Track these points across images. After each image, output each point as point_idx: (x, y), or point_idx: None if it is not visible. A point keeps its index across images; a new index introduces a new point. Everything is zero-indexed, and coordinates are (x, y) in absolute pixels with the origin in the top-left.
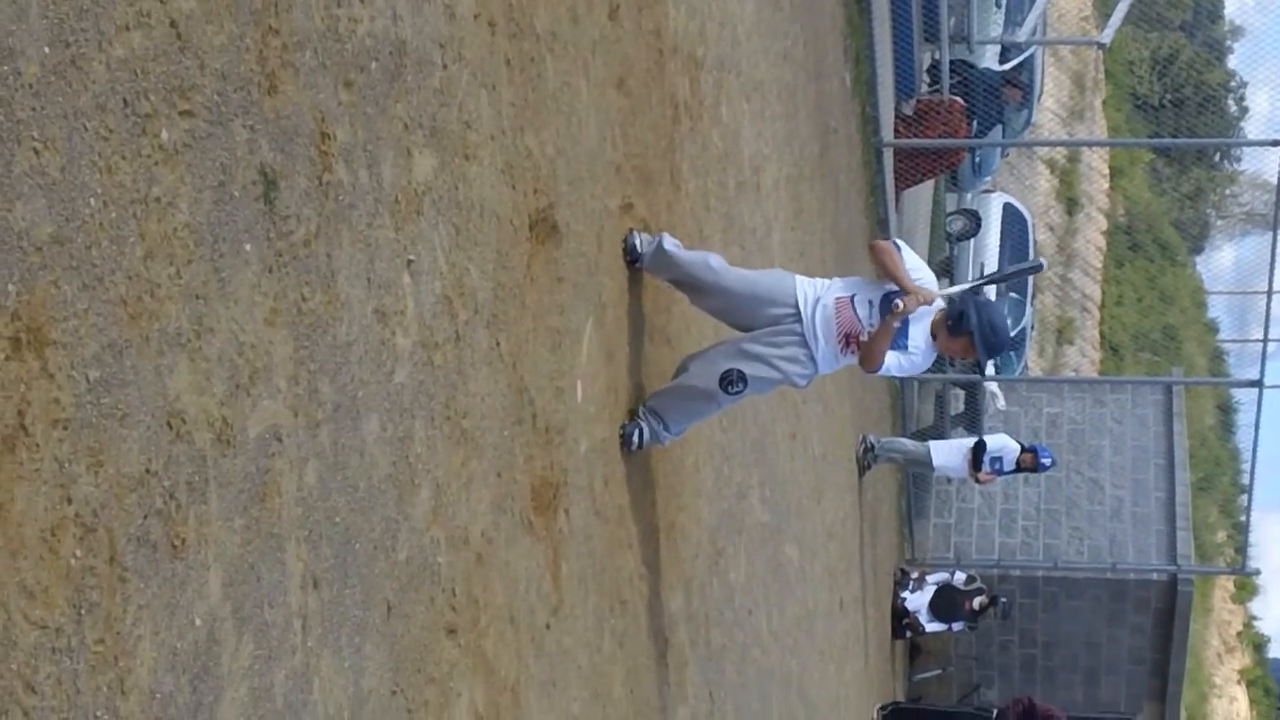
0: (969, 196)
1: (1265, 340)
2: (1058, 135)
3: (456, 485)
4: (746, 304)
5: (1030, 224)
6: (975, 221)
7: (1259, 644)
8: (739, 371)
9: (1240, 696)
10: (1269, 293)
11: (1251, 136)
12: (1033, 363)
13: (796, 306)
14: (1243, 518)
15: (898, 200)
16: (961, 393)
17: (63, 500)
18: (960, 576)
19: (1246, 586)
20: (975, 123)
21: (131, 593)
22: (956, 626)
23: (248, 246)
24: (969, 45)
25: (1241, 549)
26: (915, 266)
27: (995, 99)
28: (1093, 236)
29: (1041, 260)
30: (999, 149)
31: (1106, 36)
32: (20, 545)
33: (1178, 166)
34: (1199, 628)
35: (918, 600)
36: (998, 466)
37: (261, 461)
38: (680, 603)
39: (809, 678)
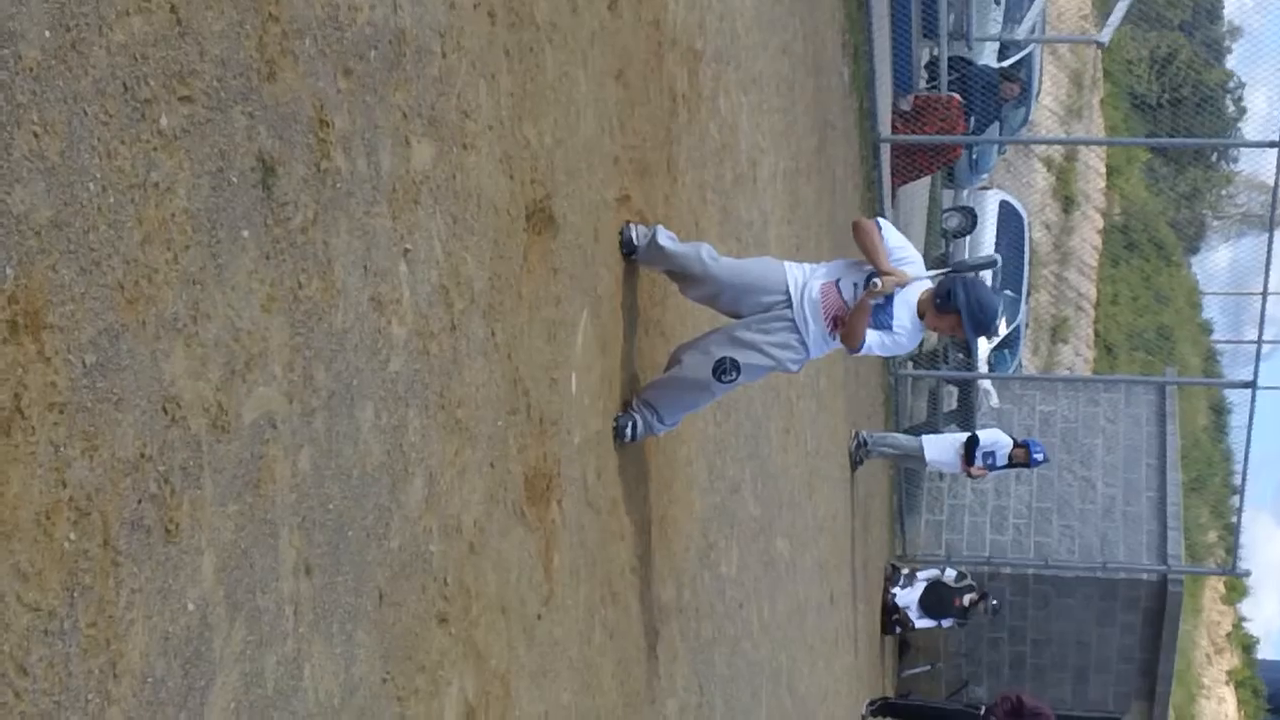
0: (965, 193)
1: (1259, 341)
2: (1055, 133)
3: (450, 474)
4: (738, 292)
5: (1026, 222)
6: (971, 218)
7: (1248, 645)
8: (732, 360)
9: (1229, 697)
10: (1264, 294)
11: (1249, 137)
12: (1027, 361)
13: (787, 292)
14: (1234, 519)
15: (894, 196)
16: (955, 390)
17: (57, 484)
18: (951, 573)
19: (1236, 588)
20: (973, 119)
21: (125, 577)
22: (946, 623)
23: (245, 233)
24: (968, 42)
25: (1232, 550)
26: (899, 245)
27: (993, 96)
28: (1089, 235)
29: (996, 256)
30: (996, 146)
31: (1105, 35)
32: (14, 528)
33: (1175, 166)
34: (1188, 628)
35: (908, 596)
36: (990, 461)
37: (256, 447)
38: (671, 595)
39: (798, 671)
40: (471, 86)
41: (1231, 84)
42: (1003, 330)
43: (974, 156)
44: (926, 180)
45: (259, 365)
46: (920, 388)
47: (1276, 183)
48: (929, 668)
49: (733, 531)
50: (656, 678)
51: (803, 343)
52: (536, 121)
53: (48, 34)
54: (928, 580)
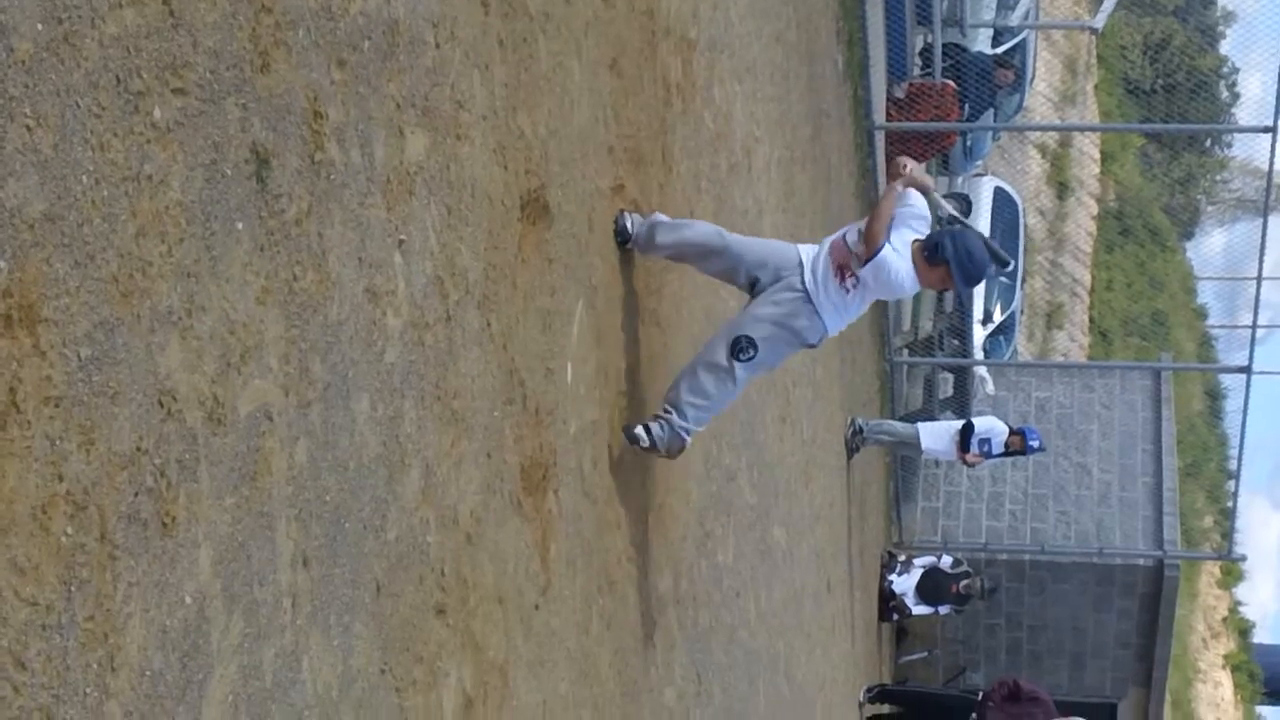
0: (960, 180)
1: (1254, 326)
2: (1049, 119)
3: (446, 465)
4: (754, 263)
5: (1021, 208)
6: (966, 205)
7: (1244, 629)
8: (747, 337)
9: (1225, 681)
10: (1258, 279)
11: (1243, 122)
12: (1022, 347)
13: (800, 263)
14: (1229, 503)
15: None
16: (950, 376)
17: (54, 478)
18: (947, 560)
19: (1232, 572)
20: (967, 106)
21: (122, 570)
22: (943, 609)
23: (239, 225)
24: (962, 29)
25: (1228, 535)
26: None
27: (987, 83)
28: (1083, 221)
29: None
30: (990, 133)
31: (1099, 21)
32: (11, 522)
33: (1169, 152)
34: (1185, 613)
35: (905, 583)
36: (985, 448)
37: (252, 440)
38: (668, 584)
39: (796, 659)
40: (465, 77)
41: (1225, 69)
42: (998, 316)
43: (968, 143)
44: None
45: (254, 358)
46: (916, 375)
47: (1270, 168)
48: (926, 654)
49: (729, 520)
50: (654, 667)
51: (816, 313)
52: (530, 111)
53: (40, 26)
54: (924, 567)
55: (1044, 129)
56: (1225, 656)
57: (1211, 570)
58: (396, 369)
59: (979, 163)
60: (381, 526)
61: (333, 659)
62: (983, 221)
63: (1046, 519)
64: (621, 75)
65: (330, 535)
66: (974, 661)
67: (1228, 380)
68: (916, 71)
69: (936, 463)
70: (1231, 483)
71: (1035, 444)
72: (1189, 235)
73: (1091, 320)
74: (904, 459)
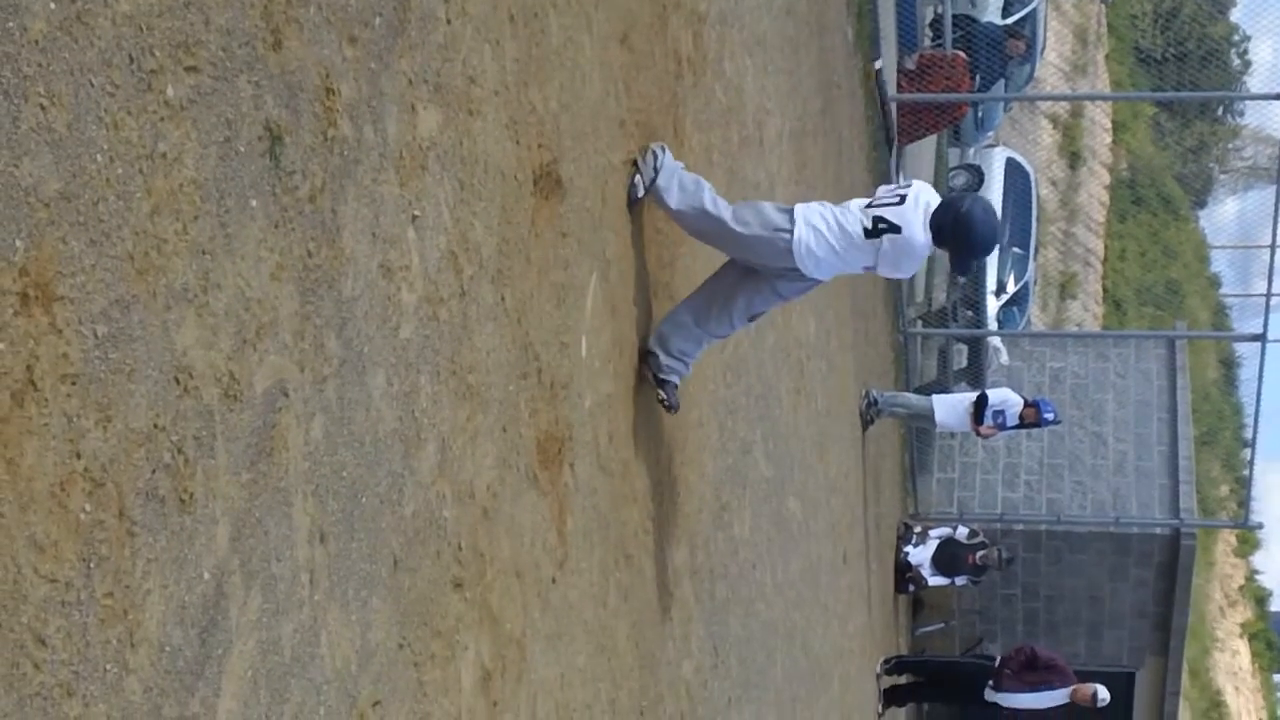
0: (971, 151)
1: (1269, 294)
2: (1060, 89)
3: (462, 440)
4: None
5: (1033, 179)
6: (978, 176)
7: (1261, 598)
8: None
9: (1242, 650)
10: (1272, 246)
11: (1254, 90)
12: (1036, 318)
13: (792, 219)
14: (1245, 472)
15: (900, 154)
16: (964, 348)
17: (71, 455)
18: (963, 531)
19: (1249, 540)
20: (978, 77)
21: (140, 546)
22: (960, 581)
23: (253, 202)
24: None
25: (1244, 503)
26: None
27: (998, 53)
28: (1095, 191)
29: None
30: (1002, 103)
31: None
32: (30, 499)
33: (1181, 120)
34: (1201, 582)
35: (921, 555)
36: (1000, 420)
37: (268, 416)
38: (684, 557)
39: (812, 631)
40: (476, 52)
41: (1236, 37)
42: (1011, 287)
43: (979, 114)
44: (932, 139)
45: (270, 334)
46: (930, 346)
47: None
48: (943, 626)
49: (745, 493)
50: (671, 639)
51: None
52: (542, 86)
53: (53, 6)
54: (940, 538)
55: (1055, 99)
56: (1242, 625)
57: (1228, 539)
58: (411, 344)
59: (990, 134)
60: (398, 501)
61: (351, 634)
62: (995, 193)
63: (1062, 489)
64: (632, 49)
65: (347, 510)
66: (991, 632)
67: (1242, 348)
68: (927, 43)
69: (951, 434)
70: (1247, 451)
71: (1050, 417)
72: (1202, 204)
73: (1105, 290)
74: (919, 431)
